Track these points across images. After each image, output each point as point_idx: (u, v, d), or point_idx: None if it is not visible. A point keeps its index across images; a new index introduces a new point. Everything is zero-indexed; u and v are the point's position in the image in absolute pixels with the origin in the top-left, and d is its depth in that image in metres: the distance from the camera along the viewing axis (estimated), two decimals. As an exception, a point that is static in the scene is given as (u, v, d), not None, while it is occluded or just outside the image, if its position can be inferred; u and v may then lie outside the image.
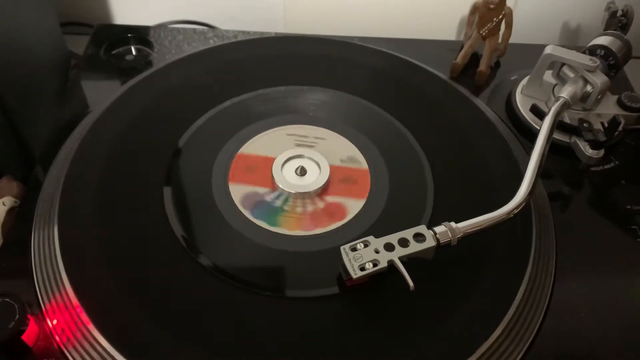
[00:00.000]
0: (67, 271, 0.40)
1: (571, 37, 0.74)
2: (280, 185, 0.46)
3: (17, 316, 0.36)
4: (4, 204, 0.47)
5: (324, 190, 0.47)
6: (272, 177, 0.47)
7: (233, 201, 0.45)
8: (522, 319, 0.40)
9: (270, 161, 0.48)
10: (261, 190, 0.46)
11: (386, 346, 0.38)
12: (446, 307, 0.40)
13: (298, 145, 0.50)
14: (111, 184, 0.46)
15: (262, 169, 0.48)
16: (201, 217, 0.44)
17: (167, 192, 0.46)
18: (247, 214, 0.45)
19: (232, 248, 0.43)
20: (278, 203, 0.46)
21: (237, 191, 0.46)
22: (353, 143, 0.50)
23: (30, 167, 0.52)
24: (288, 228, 0.44)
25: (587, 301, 0.43)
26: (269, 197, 0.46)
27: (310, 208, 0.46)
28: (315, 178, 0.47)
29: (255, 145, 0.50)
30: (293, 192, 0.46)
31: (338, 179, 0.48)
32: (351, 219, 0.45)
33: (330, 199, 0.46)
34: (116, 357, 0.36)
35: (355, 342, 0.38)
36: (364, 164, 0.49)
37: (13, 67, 0.51)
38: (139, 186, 0.46)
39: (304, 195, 0.46)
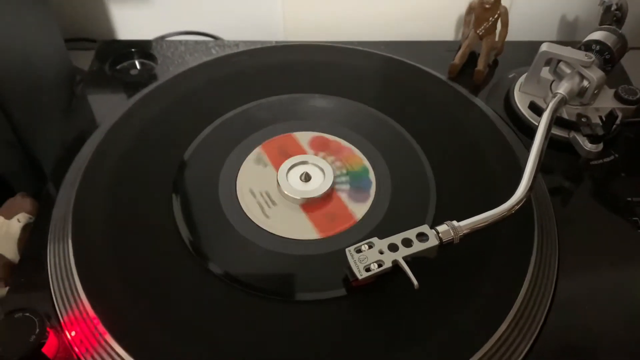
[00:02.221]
0: (83, 284, 0.41)
1: (569, 33, 0.75)
2: (286, 192, 0.47)
3: (37, 330, 0.38)
4: (19, 220, 0.48)
5: (328, 195, 0.48)
6: (278, 183, 0.48)
7: (241, 208, 0.47)
8: (527, 313, 0.41)
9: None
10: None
11: (394, 343, 0.39)
12: (452, 304, 0.41)
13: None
14: (122, 196, 0.47)
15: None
16: (210, 226, 0.46)
17: (176, 202, 0.47)
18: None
19: (241, 254, 0.44)
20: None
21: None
22: (355, 146, 0.51)
23: (42, 183, 0.53)
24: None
25: (590, 294, 0.43)
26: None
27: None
28: (319, 184, 0.48)
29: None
30: (298, 197, 0.47)
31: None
32: (356, 222, 0.46)
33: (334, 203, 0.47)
34: (133, 365, 0.37)
35: (364, 341, 0.39)
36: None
37: (20, 85, 0.52)
38: (148, 198, 0.47)
39: (307, 201, 0.47)
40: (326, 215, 0.46)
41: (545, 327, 0.41)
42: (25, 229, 0.48)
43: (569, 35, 0.75)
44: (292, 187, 0.47)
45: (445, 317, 0.40)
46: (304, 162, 0.49)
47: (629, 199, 0.49)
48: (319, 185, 0.48)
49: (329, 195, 0.48)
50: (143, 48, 0.64)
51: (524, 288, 0.41)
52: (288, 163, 0.49)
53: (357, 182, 0.49)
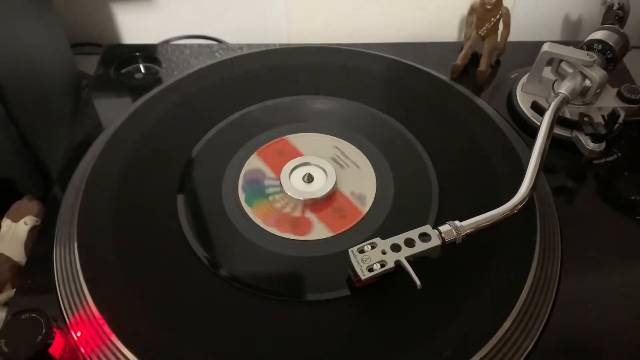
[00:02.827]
0: (89, 285, 0.41)
1: (571, 33, 0.75)
2: (288, 192, 0.47)
3: (44, 330, 0.38)
4: (25, 223, 0.48)
5: (330, 196, 0.48)
6: (280, 184, 0.48)
7: (244, 209, 0.47)
8: (530, 312, 0.41)
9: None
10: (268, 173, 0.49)
11: (398, 342, 0.39)
12: (455, 304, 0.41)
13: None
14: (127, 199, 0.48)
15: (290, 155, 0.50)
16: (216, 228, 0.46)
17: (181, 204, 0.47)
18: (240, 185, 0.48)
19: (245, 256, 0.44)
20: (269, 190, 0.48)
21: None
22: (357, 147, 0.52)
23: (48, 186, 0.54)
24: (256, 215, 0.46)
25: (594, 293, 0.43)
26: (267, 181, 0.48)
27: (290, 211, 0.47)
28: (322, 185, 0.48)
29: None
30: (302, 199, 0.47)
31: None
32: (358, 222, 0.46)
33: (335, 204, 0.48)
34: (139, 365, 0.38)
35: (367, 340, 0.39)
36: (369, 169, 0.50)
37: (27, 89, 0.53)
38: (153, 200, 0.48)
39: (306, 202, 0.47)
40: (329, 216, 0.47)
41: (548, 326, 0.41)
42: (31, 231, 0.48)
43: (572, 36, 0.75)
44: (295, 188, 0.48)
45: (448, 316, 0.40)
46: (306, 164, 0.50)
47: (633, 197, 0.49)
48: (321, 185, 0.48)
49: (331, 196, 0.48)
50: (148, 52, 0.65)
51: (526, 287, 0.41)
52: (290, 165, 0.49)
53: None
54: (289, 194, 0.47)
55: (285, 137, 0.53)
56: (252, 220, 0.46)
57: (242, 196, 0.48)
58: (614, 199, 0.49)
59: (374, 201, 0.48)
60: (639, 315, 0.42)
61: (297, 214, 0.47)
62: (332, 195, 0.48)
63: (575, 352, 0.41)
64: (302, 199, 0.47)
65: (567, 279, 0.44)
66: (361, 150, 0.51)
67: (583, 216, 0.48)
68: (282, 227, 0.46)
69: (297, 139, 0.52)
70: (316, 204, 0.47)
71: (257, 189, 0.48)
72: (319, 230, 0.46)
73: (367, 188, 0.49)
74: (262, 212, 0.47)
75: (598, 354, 0.40)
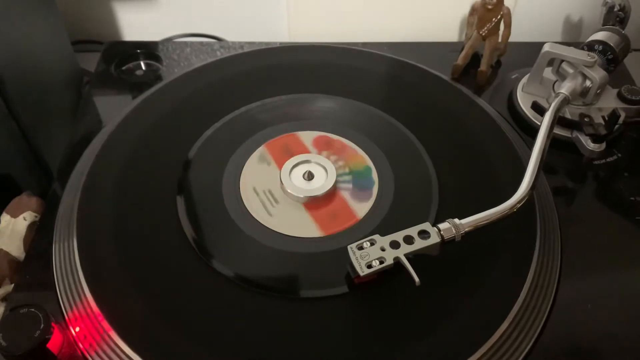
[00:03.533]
0: (87, 281, 0.41)
1: (573, 34, 0.75)
2: (289, 190, 0.47)
3: (42, 325, 0.38)
4: (25, 219, 0.48)
5: (331, 194, 0.48)
6: (281, 182, 0.48)
7: (244, 206, 0.47)
8: (529, 312, 0.41)
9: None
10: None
11: (396, 339, 0.39)
12: (453, 302, 0.41)
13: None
14: (126, 195, 0.48)
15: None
16: (214, 224, 0.46)
17: (180, 201, 0.47)
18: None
19: (243, 251, 0.44)
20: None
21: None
22: (359, 146, 0.52)
23: (48, 182, 0.54)
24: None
25: (593, 294, 0.43)
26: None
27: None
28: (322, 182, 0.48)
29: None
30: (302, 196, 0.47)
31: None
32: (357, 220, 0.46)
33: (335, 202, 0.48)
34: (136, 360, 0.38)
35: (366, 337, 0.39)
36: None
37: (28, 86, 0.53)
38: (152, 196, 0.48)
39: (309, 199, 0.47)
40: (328, 214, 0.47)
41: (547, 326, 0.41)
42: (31, 227, 0.48)
43: (573, 37, 0.75)
44: (295, 185, 0.48)
45: (447, 314, 0.40)
46: (306, 161, 0.50)
47: (632, 198, 0.49)
48: (321, 184, 0.48)
49: (331, 194, 0.48)
50: (149, 49, 0.65)
51: (526, 286, 0.41)
52: (291, 162, 0.49)
53: (360, 181, 0.49)
54: (288, 190, 0.47)
55: (285, 134, 0.53)
56: (248, 212, 0.47)
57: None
58: (613, 200, 0.50)
59: (373, 204, 0.47)
60: (638, 317, 0.42)
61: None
62: (332, 194, 0.48)
63: (574, 352, 0.40)
64: (301, 196, 0.47)
65: (566, 279, 0.44)
66: (362, 149, 0.51)
67: (583, 216, 0.48)
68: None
69: (298, 136, 0.53)
70: (315, 202, 0.47)
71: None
72: (314, 228, 0.46)
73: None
74: None
75: (597, 355, 0.40)
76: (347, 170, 0.50)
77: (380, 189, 0.48)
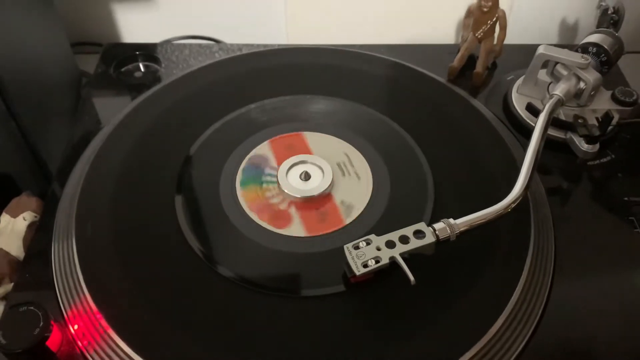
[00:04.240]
0: (86, 280, 0.42)
1: (568, 36, 0.75)
2: (286, 190, 0.48)
3: (42, 323, 0.38)
4: (24, 218, 0.49)
5: (327, 195, 0.48)
6: (278, 182, 0.49)
7: (242, 208, 0.47)
8: (522, 311, 0.41)
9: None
10: (272, 162, 0.50)
11: (391, 337, 0.39)
12: (448, 300, 0.41)
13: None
14: (124, 195, 0.48)
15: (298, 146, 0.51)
16: (212, 224, 0.46)
17: (179, 201, 0.48)
18: (240, 167, 0.50)
19: (243, 252, 0.45)
20: (265, 178, 0.49)
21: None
22: (355, 147, 0.52)
23: (47, 182, 0.54)
24: (245, 198, 0.48)
25: (586, 293, 0.44)
26: (267, 169, 0.50)
27: (277, 202, 0.48)
28: (318, 183, 0.49)
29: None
30: (298, 196, 0.48)
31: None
32: (354, 220, 0.47)
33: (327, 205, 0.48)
34: (135, 358, 0.38)
35: (362, 334, 0.40)
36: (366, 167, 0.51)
37: (28, 87, 0.53)
38: (151, 197, 0.48)
39: (305, 199, 0.48)
40: (318, 215, 0.47)
41: (540, 325, 0.42)
42: (30, 227, 0.49)
43: (569, 39, 0.75)
44: (292, 185, 0.48)
45: (441, 313, 0.41)
46: (303, 162, 0.50)
47: (626, 198, 0.50)
48: (318, 184, 0.49)
49: (328, 193, 0.49)
50: (148, 51, 0.65)
51: (519, 285, 0.42)
52: (288, 162, 0.50)
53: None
54: (284, 189, 0.48)
55: (301, 132, 0.53)
56: (241, 207, 0.47)
57: (238, 178, 0.49)
58: (607, 200, 0.50)
59: (361, 212, 0.47)
60: (631, 317, 0.43)
61: (283, 207, 0.48)
62: (322, 199, 0.48)
63: (567, 350, 0.41)
64: (296, 195, 0.48)
65: (559, 278, 0.44)
66: (358, 149, 0.52)
67: (577, 216, 0.49)
68: (262, 215, 0.47)
69: (295, 137, 0.53)
70: (303, 203, 0.48)
71: (255, 174, 0.49)
72: (295, 228, 0.46)
73: (359, 199, 0.49)
74: (251, 197, 0.48)
75: (589, 353, 0.41)
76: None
77: (376, 189, 0.49)
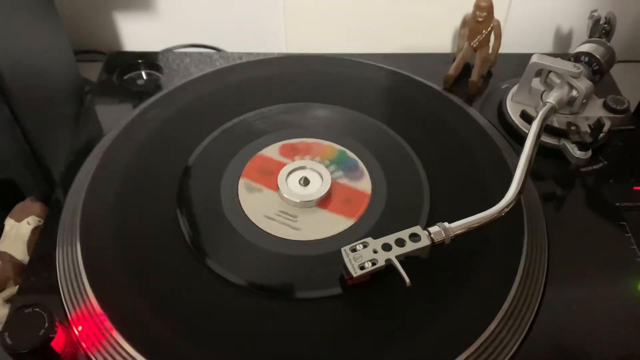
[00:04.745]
0: (91, 283, 0.43)
1: (563, 45, 0.77)
2: (285, 195, 0.49)
3: (47, 324, 0.39)
4: (28, 223, 0.50)
5: (327, 198, 0.49)
6: (278, 187, 0.50)
7: (243, 211, 0.48)
8: (516, 313, 0.42)
9: (282, 165, 0.52)
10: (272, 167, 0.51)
11: (387, 339, 0.40)
12: (443, 302, 0.42)
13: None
14: (127, 200, 0.49)
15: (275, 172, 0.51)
16: (212, 228, 0.47)
17: (181, 205, 0.49)
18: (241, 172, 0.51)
19: (244, 255, 0.46)
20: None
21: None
22: (353, 153, 0.53)
23: (51, 188, 0.55)
24: (245, 203, 0.49)
25: (579, 296, 0.45)
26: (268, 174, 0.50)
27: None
28: (317, 187, 0.50)
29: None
30: (298, 201, 0.49)
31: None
32: (352, 224, 0.48)
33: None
34: (138, 358, 0.39)
35: (358, 335, 0.41)
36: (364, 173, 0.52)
37: (32, 94, 0.54)
38: (153, 201, 0.49)
39: (307, 204, 0.49)
40: (342, 201, 0.49)
41: (533, 327, 0.43)
42: (34, 231, 0.49)
43: (563, 48, 0.76)
44: (292, 191, 0.49)
45: (437, 314, 0.42)
46: (302, 167, 0.51)
47: (617, 204, 0.51)
48: (318, 188, 0.50)
49: (327, 197, 0.50)
50: (150, 59, 0.66)
51: (514, 288, 0.43)
52: (287, 168, 0.51)
53: (344, 165, 0.52)
54: (285, 196, 0.49)
55: (281, 142, 0.54)
56: (247, 217, 0.48)
57: (239, 182, 0.51)
58: (599, 205, 0.51)
59: (364, 211, 0.49)
60: (623, 319, 0.43)
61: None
62: (323, 202, 0.49)
63: (559, 353, 0.42)
64: (297, 201, 0.49)
65: (552, 281, 0.45)
66: (356, 156, 0.53)
67: (569, 221, 0.50)
68: (263, 219, 0.48)
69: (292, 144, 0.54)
70: (325, 199, 0.49)
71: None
72: (294, 231, 0.47)
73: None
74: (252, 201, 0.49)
75: (582, 355, 0.42)
76: (327, 162, 0.52)
77: (373, 193, 0.50)
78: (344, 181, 0.51)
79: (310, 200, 0.49)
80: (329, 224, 0.47)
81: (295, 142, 0.54)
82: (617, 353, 0.42)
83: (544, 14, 0.74)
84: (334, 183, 0.50)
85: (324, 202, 0.49)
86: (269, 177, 0.51)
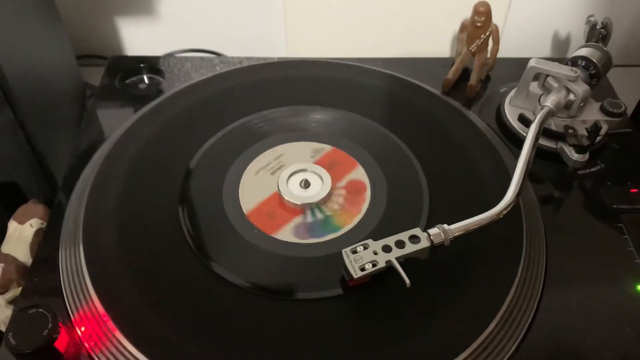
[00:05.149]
0: (93, 283, 0.43)
1: (561, 50, 0.77)
2: (286, 197, 0.49)
3: (50, 325, 0.40)
4: (31, 225, 0.50)
5: (327, 199, 0.50)
6: (279, 190, 0.50)
7: (244, 214, 0.49)
8: (515, 314, 0.42)
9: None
10: (297, 219, 0.49)
11: (386, 339, 0.41)
12: (442, 304, 0.43)
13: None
14: (130, 203, 0.50)
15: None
16: (214, 230, 0.48)
17: (182, 208, 0.49)
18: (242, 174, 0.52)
19: (245, 257, 0.46)
20: (319, 216, 0.49)
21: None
22: (353, 156, 0.54)
23: (53, 191, 0.55)
24: (341, 224, 0.48)
25: (576, 296, 0.45)
26: (309, 219, 0.49)
27: (339, 200, 0.50)
28: (318, 189, 0.50)
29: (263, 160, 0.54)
30: (299, 203, 0.49)
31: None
32: (353, 226, 0.48)
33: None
34: (140, 359, 0.39)
35: (358, 336, 0.41)
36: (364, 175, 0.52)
37: (35, 97, 0.54)
38: (155, 204, 0.50)
39: (311, 205, 0.50)
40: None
41: (532, 329, 0.43)
42: (37, 233, 0.50)
43: (561, 53, 0.77)
44: (293, 193, 0.50)
45: (436, 315, 0.42)
46: (303, 170, 0.52)
47: (615, 206, 0.51)
48: (318, 190, 0.50)
49: (327, 198, 0.50)
50: (151, 64, 0.67)
51: (512, 290, 0.43)
52: (288, 170, 0.52)
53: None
54: (284, 196, 0.49)
55: (281, 145, 0.55)
56: (243, 213, 0.49)
57: (240, 184, 0.51)
58: (597, 207, 0.51)
59: (365, 213, 0.49)
60: (620, 321, 0.44)
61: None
62: (329, 198, 0.50)
63: (557, 354, 0.42)
64: (299, 203, 0.49)
65: (551, 282, 0.46)
66: (356, 159, 0.54)
67: (567, 223, 0.50)
68: (263, 220, 0.48)
69: (293, 147, 0.55)
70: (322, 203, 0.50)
71: (320, 225, 0.50)
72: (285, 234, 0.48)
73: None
74: (343, 218, 0.49)
75: (580, 358, 0.42)
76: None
77: (373, 196, 0.50)
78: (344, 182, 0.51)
79: (311, 202, 0.49)
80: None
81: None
82: (615, 355, 0.42)
83: (541, 19, 0.74)
84: (334, 185, 0.51)
85: (327, 200, 0.50)
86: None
